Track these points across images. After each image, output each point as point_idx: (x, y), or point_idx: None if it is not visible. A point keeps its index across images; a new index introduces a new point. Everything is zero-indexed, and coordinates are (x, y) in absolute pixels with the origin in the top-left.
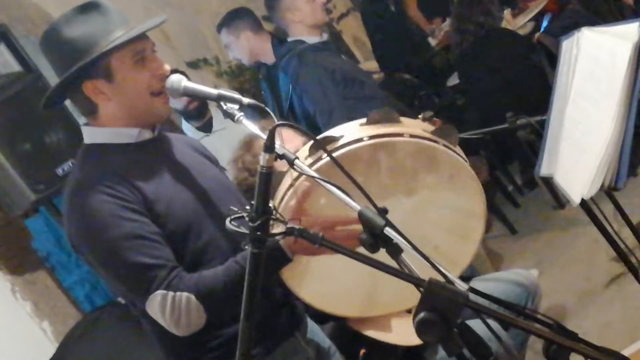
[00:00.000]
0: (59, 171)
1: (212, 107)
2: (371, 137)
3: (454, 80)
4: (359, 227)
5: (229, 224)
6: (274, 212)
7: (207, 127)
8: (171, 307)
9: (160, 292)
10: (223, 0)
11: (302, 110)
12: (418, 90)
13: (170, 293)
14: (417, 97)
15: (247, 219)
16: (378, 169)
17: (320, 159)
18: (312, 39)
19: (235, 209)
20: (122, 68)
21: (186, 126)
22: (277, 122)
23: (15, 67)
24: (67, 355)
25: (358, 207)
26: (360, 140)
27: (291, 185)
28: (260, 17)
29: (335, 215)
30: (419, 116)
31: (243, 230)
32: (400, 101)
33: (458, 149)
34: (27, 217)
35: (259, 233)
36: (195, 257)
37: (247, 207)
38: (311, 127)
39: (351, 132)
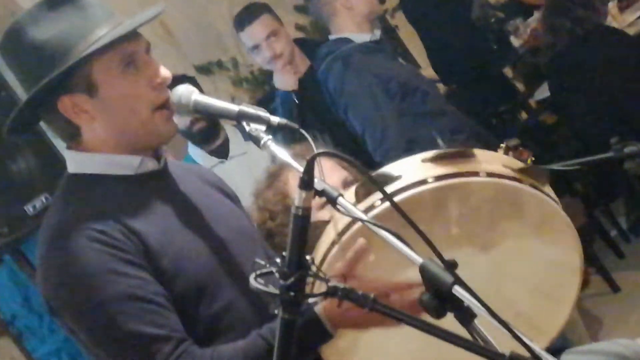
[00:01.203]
0: (29, 209)
1: (229, 125)
2: (437, 178)
3: (542, 92)
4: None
5: (253, 282)
6: (313, 266)
7: (222, 152)
8: None
9: None
10: None
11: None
12: (496, 105)
13: None
14: (495, 114)
15: (277, 275)
16: (447, 218)
17: (373, 207)
18: (361, 36)
19: (262, 262)
20: (108, 78)
21: (194, 151)
22: (316, 150)
23: None
24: None
25: (420, 260)
26: (423, 182)
27: (334, 242)
28: (293, 7)
29: (392, 281)
30: (501, 146)
31: (271, 289)
32: (473, 119)
33: (548, 189)
34: None
35: (292, 293)
36: (209, 326)
37: (277, 260)
38: (358, 151)
39: (411, 170)
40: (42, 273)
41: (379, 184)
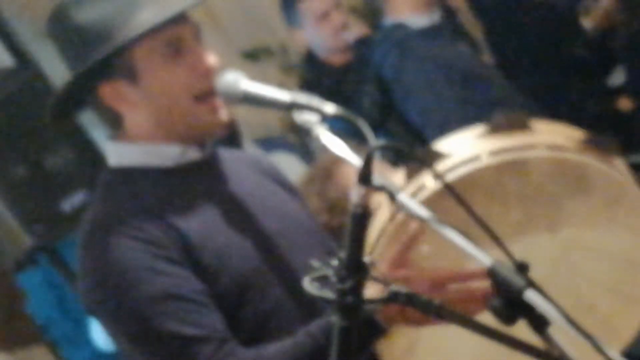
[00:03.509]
0: (66, 206)
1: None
2: (492, 154)
3: (618, 78)
4: (481, 284)
5: (308, 286)
6: (372, 268)
7: None
8: None
9: None
10: None
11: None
12: (565, 92)
13: None
14: (565, 103)
15: (333, 278)
16: (505, 198)
17: (424, 187)
18: (419, 19)
19: (317, 264)
20: (151, 64)
21: None
22: (374, 142)
23: (6, 60)
24: None
25: (488, 261)
26: (476, 158)
27: (384, 230)
28: None
29: (449, 269)
30: None
31: (328, 294)
32: (540, 107)
33: (619, 165)
34: (21, 271)
35: (350, 299)
36: (255, 327)
37: (334, 262)
38: (416, 144)
39: (463, 146)
40: (80, 271)
41: (431, 163)
